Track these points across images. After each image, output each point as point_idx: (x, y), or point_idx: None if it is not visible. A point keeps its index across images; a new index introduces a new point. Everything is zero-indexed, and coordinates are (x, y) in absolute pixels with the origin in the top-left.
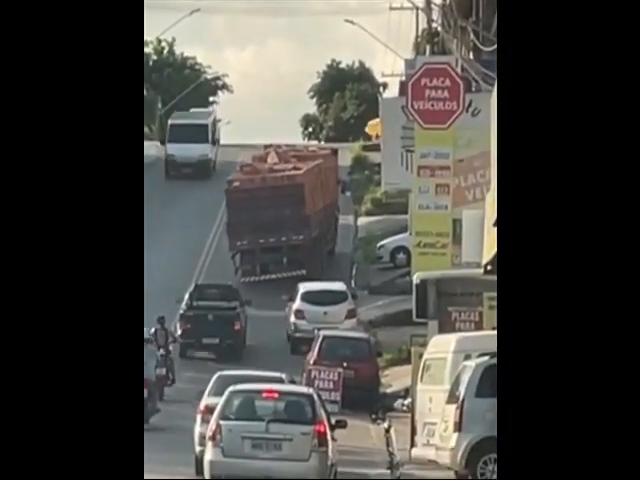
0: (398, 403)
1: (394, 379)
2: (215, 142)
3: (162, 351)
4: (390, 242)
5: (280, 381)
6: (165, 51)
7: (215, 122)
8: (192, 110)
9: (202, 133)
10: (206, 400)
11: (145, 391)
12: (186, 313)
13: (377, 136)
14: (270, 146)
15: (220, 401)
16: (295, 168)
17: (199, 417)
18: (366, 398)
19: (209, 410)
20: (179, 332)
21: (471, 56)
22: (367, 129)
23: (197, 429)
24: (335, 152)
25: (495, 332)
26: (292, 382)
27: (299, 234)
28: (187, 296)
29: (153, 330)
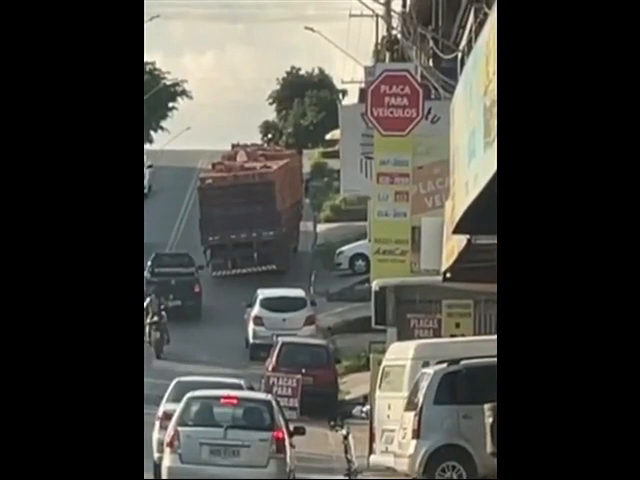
0: (357, 410)
1: (353, 386)
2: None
3: (156, 318)
4: (349, 249)
5: (239, 387)
6: None
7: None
8: None
9: None
10: (164, 406)
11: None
12: (151, 279)
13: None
14: (238, 145)
15: (178, 407)
16: (265, 166)
17: (157, 423)
18: (325, 405)
19: (167, 416)
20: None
21: (431, 64)
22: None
23: (155, 435)
24: (300, 152)
25: (452, 339)
26: (251, 388)
27: (270, 230)
28: (149, 264)
29: (148, 300)
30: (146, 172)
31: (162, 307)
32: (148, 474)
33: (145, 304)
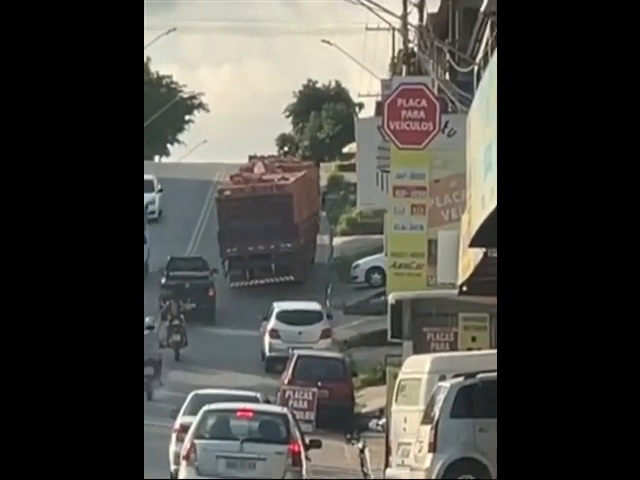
0: (373, 423)
1: (369, 399)
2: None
3: (176, 321)
4: (365, 262)
5: (255, 400)
6: None
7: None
8: None
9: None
10: (181, 419)
11: (150, 369)
12: (167, 282)
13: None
14: (255, 157)
15: (195, 420)
16: (283, 178)
17: (174, 436)
18: (341, 418)
19: (184, 429)
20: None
21: (447, 77)
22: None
23: (172, 448)
24: (317, 164)
25: (469, 353)
26: (267, 402)
27: (287, 242)
28: (165, 268)
29: (167, 304)
30: (156, 197)
31: (181, 310)
32: None
33: (164, 307)
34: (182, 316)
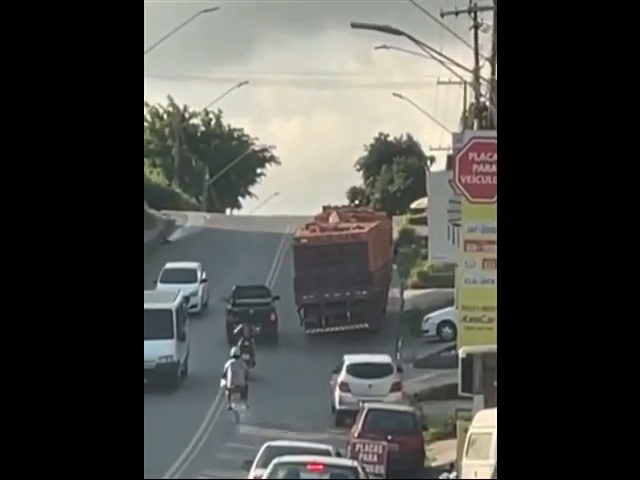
0: (444, 477)
1: (439, 453)
2: (183, 337)
3: (247, 342)
4: (436, 316)
5: (327, 453)
6: (212, 122)
7: (182, 306)
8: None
9: (164, 323)
10: (255, 471)
11: (238, 394)
12: (232, 309)
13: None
14: (329, 207)
15: (265, 472)
16: (358, 227)
17: None
18: (411, 472)
19: None
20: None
21: None
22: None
23: None
24: (390, 215)
25: None
26: (338, 455)
27: (363, 289)
28: (231, 295)
29: (240, 327)
30: (199, 287)
31: (252, 334)
32: None
33: (237, 330)
34: (252, 339)
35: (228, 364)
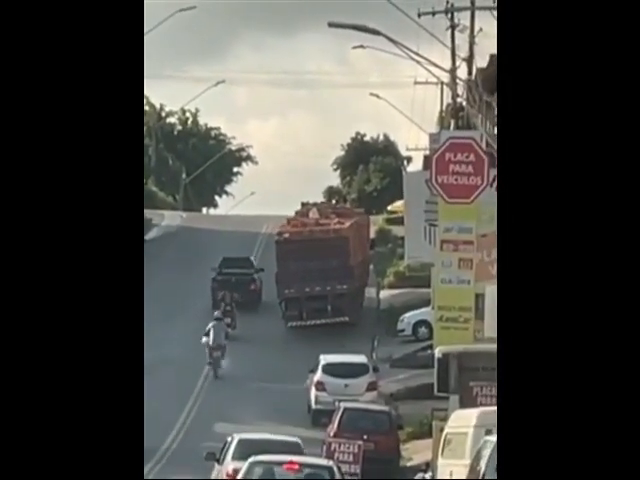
0: (419, 477)
1: (415, 452)
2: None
3: (229, 307)
4: (412, 315)
5: (296, 446)
6: (189, 121)
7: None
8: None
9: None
10: (232, 464)
11: (219, 352)
12: (217, 277)
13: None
14: (308, 204)
15: (241, 471)
16: (339, 222)
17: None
18: (386, 471)
19: (236, 473)
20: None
21: (495, 131)
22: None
23: None
24: (368, 213)
25: None
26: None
27: (343, 284)
28: (218, 265)
29: (222, 294)
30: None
31: (233, 299)
32: None
33: (219, 297)
34: (234, 304)
35: (211, 325)
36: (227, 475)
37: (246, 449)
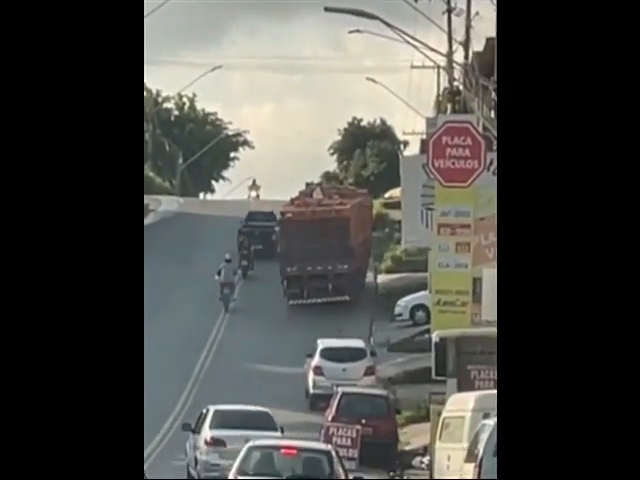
0: (416, 461)
1: (413, 436)
2: None
3: (246, 252)
4: (409, 300)
5: (266, 415)
6: (186, 106)
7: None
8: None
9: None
10: (212, 432)
11: (228, 289)
12: (242, 229)
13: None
14: (312, 183)
15: (238, 456)
16: (341, 203)
17: (206, 448)
18: (384, 455)
19: (215, 441)
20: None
21: (493, 115)
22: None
23: (204, 458)
24: (370, 193)
25: None
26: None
27: (344, 263)
28: (245, 218)
29: (241, 239)
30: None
31: (251, 245)
32: None
33: (239, 241)
34: (252, 249)
35: (221, 265)
36: (205, 442)
37: (221, 419)
